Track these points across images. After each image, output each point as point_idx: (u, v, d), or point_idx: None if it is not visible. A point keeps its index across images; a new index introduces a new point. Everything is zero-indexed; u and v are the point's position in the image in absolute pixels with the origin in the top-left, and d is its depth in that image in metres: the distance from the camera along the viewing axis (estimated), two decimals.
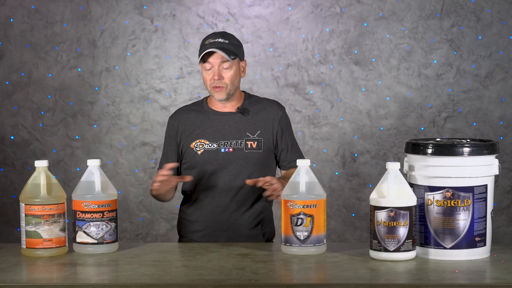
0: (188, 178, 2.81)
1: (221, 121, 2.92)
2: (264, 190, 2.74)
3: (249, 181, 2.73)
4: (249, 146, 2.89)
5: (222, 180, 2.89)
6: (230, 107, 2.94)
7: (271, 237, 2.99)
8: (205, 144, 2.90)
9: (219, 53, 2.84)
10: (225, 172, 2.88)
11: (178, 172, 2.98)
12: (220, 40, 2.86)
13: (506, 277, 2.16)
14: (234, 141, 2.89)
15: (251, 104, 2.96)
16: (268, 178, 2.70)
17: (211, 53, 2.85)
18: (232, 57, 2.86)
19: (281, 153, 2.95)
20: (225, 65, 2.86)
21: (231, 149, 2.89)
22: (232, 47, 2.88)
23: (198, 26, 4.56)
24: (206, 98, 3.01)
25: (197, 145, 2.91)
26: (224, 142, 2.89)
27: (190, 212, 2.95)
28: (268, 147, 2.92)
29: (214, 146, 2.89)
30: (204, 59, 2.86)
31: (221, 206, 2.89)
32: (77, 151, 4.61)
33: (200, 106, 2.98)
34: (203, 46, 2.88)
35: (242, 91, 3.00)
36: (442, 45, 4.54)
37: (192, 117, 2.96)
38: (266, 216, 2.96)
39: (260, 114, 2.94)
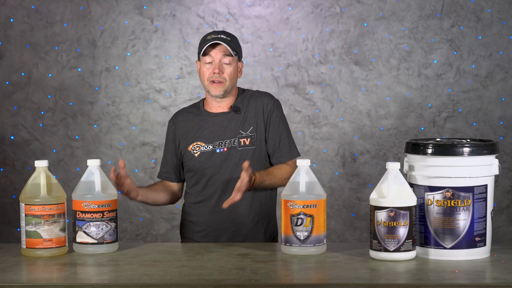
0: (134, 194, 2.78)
1: (215, 122, 2.92)
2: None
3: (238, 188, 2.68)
4: (242, 144, 2.88)
5: (219, 180, 2.88)
6: (224, 107, 2.94)
7: (274, 235, 2.98)
8: (201, 146, 2.90)
9: (223, 46, 2.84)
10: (222, 173, 2.88)
11: (180, 175, 2.99)
12: (223, 36, 2.87)
13: (506, 277, 2.16)
14: (228, 141, 2.89)
15: (244, 100, 2.94)
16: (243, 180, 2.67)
17: (214, 46, 2.84)
18: (234, 52, 2.86)
19: (268, 146, 2.91)
20: (226, 60, 2.86)
21: (225, 149, 2.88)
22: (234, 45, 2.88)
23: (198, 26, 4.56)
24: (203, 100, 3.01)
25: (194, 147, 2.91)
26: (219, 143, 2.89)
27: (191, 213, 2.96)
28: (262, 141, 2.91)
29: (209, 147, 2.89)
30: (205, 52, 2.86)
31: (220, 206, 2.89)
32: (77, 151, 4.61)
33: (197, 109, 2.98)
34: (204, 40, 2.89)
35: (237, 87, 2.98)
36: (442, 45, 4.54)
37: (189, 119, 2.96)
38: (267, 214, 2.95)
39: (251, 109, 2.91)
